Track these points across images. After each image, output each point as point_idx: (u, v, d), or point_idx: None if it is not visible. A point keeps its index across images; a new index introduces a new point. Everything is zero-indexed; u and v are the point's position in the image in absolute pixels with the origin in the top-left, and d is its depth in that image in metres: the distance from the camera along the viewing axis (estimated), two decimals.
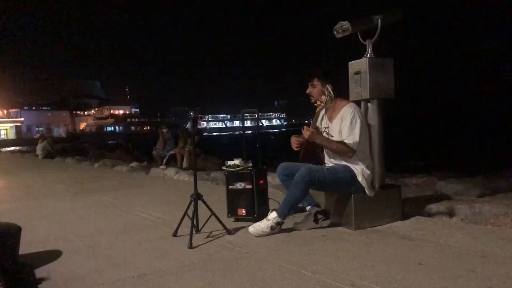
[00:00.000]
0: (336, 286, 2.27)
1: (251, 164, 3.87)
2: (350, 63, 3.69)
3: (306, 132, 3.33)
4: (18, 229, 2.92)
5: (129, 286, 2.42)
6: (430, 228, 3.39)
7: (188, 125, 12.45)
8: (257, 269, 2.60)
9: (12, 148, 33.79)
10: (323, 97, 3.34)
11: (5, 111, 75.09)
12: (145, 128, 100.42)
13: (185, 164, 10.27)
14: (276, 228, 3.34)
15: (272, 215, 3.35)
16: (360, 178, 3.41)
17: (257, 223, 3.38)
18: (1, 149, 29.97)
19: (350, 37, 3.64)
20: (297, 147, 3.51)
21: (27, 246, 3.13)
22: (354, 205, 3.41)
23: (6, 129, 73.25)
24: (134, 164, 11.13)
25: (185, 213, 3.39)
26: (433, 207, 4.00)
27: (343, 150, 3.38)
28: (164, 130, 11.56)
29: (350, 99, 3.65)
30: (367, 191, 3.44)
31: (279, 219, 3.34)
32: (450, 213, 3.82)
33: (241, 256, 2.88)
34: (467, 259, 2.64)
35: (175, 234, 3.43)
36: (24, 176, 10.04)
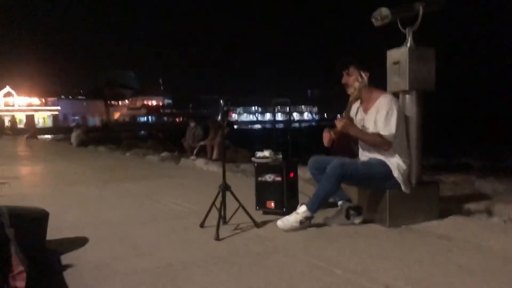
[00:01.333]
0: (368, 286, 2.15)
1: (281, 156, 3.76)
2: (388, 52, 3.52)
3: (339, 123, 3.19)
4: (46, 215, 2.92)
5: (154, 277, 2.37)
6: (469, 228, 3.20)
7: (219, 117, 12.43)
8: (285, 265, 2.49)
9: (49, 136, 34.80)
10: (356, 84, 3.19)
11: (43, 100, 77.48)
12: (177, 119, 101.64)
13: (215, 155, 10.26)
14: (306, 223, 3.23)
15: (302, 209, 3.23)
16: (396, 174, 3.24)
17: (286, 217, 3.27)
18: (38, 137, 30.96)
19: (389, 25, 3.46)
20: (328, 144, 3.36)
21: (55, 231, 3.13)
22: (389, 201, 3.25)
23: (44, 118, 75.64)
24: (164, 154, 11.22)
25: (213, 204, 3.32)
26: (472, 206, 3.80)
27: (378, 142, 3.22)
28: (192, 124, 11.59)
29: (387, 90, 3.47)
30: (403, 187, 3.27)
31: (309, 213, 3.22)
32: (490, 213, 3.62)
33: (269, 251, 2.78)
34: (511, 263, 2.46)
35: (202, 225, 3.36)
36: (58, 162, 10.28)
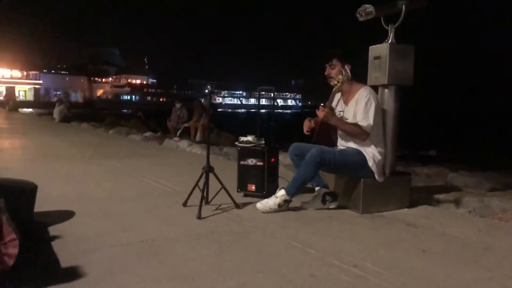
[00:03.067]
0: (338, 265, 2.32)
1: (264, 142, 3.90)
2: (370, 47, 3.67)
3: (321, 112, 3.33)
4: (34, 187, 3.02)
5: (138, 250, 2.50)
6: (436, 217, 3.41)
7: (203, 99, 12.49)
8: (263, 244, 2.66)
9: (30, 109, 34.22)
10: (340, 77, 3.34)
11: (25, 73, 75.89)
12: (161, 99, 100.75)
13: (198, 138, 10.36)
14: (284, 206, 3.40)
15: (281, 193, 3.40)
16: (370, 163, 3.42)
17: (265, 200, 3.44)
18: (19, 110, 30.46)
19: (373, 21, 3.60)
20: (307, 131, 3.53)
21: (42, 204, 3.23)
22: (363, 189, 3.44)
23: (25, 91, 74.23)
24: (148, 134, 11.27)
25: (196, 184, 3.45)
26: (442, 197, 4.01)
27: (356, 132, 3.39)
28: (178, 105, 11.64)
29: (368, 84, 3.63)
30: (376, 176, 3.46)
31: (287, 197, 3.39)
32: (458, 205, 3.84)
33: (248, 230, 2.94)
34: (470, 249, 2.67)
35: (185, 204, 3.51)
36: (40, 137, 10.24)
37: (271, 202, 3.39)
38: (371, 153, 3.44)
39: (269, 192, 3.70)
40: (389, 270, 2.27)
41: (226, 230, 2.93)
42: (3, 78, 71.94)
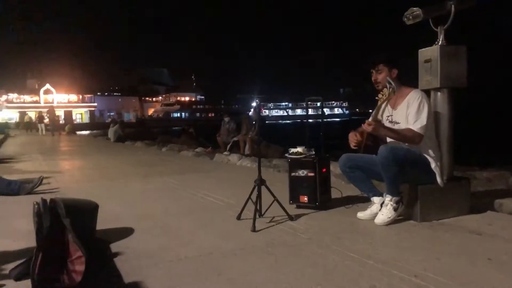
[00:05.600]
0: (399, 276, 2.26)
1: (314, 152, 3.88)
2: (420, 50, 3.58)
3: (368, 127, 3.22)
4: (96, 206, 3.16)
5: (196, 264, 2.55)
6: (500, 223, 3.24)
7: (251, 112, 12.60)
8: (319, 256, 2.64)
9: (86, 131, 35.87)
10: (385, 90, 3.25)
11: (80, 96, 79.97)
12: (209, 115, 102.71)
13: (247, 151, 10.46)
14: (399, 208, 3.29)
15: (387, 199, 3.30)
16: (433, 165, 3.32)
17: (379, 214, 3.33)
18: (77, 132, 32.02)
19: (420, 24, 3.52)
20: (355, 146, 3.39)
21: (102, 222, 3.37)
22: (421, 196, 3.33)
23: (81, 114, 78.13)
24: (199, 149, 11.51)
25: (249, 197, 3.48)
26: (505, 202, 3.81)
27: (409, 137, 3.28)
28: (226, 119, 11.83)
29: (419, 88, 3.54)
30: (438, 179, 3.34)
31: (397, 198, 3.30)
32: None
33: (304, 242, 2.93)
34: None
35: (238, 218, 3.54)
36: (97, 158, 10.70)
37: (385, 212, 3.29)
38: (431, 155, 3.34)
39: (322, 202, 3.67)
40: (453, 280, 2.19)
41: (281, 243, 2.93)
42: (61, 102, 76.08)
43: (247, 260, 2.60)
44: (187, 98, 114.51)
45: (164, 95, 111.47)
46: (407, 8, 3.47)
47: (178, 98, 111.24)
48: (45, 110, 30.23)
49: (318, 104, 4.87)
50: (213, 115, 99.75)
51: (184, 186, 5.49)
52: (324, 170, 3.89)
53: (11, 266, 2.47)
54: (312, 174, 3.81)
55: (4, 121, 45.47)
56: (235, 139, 11.18)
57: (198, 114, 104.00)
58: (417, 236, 3.01)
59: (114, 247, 2.95)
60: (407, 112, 3.32)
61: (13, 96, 75.49)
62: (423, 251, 2.67)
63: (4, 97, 74.25)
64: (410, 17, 3.46)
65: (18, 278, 2.34)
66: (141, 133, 26.07)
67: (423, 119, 3.25)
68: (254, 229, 3.20)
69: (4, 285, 2.27)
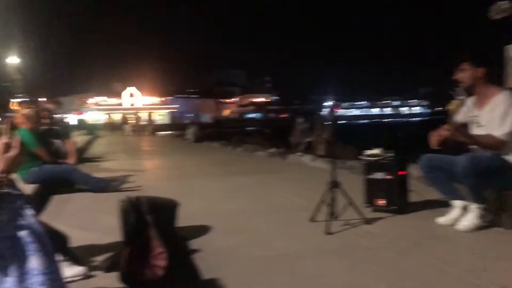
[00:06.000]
0: (481, 285, 2.13)
1: (392, 154, 3.76)
2: (506, 47, 3.34)
3: (445, 132, 3.07)
4: (177, 204, 3.31)
5: (271, 264, 2.59)
6: None
7: (325, 112, 12.49)
8: (397, 261, 2.56)
9: (167, 132, 37.54)
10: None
11: (162, 99, 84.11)
12: (283, 115, 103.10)
13: (321, 151, 10.35)
14: (484, 215, 3.14)
15: (473, 206, 3.15)
16: None
17: (463, 220, 3.19)
18: (158, 133, 33.63)
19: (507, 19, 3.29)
20: (436, 147, 3.23)
21: (182, 220, 3.51)
22: (509, 202, 3.10)
23: (162, 115, 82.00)
24: (272, 150, 11.58)
25: (323, 199, 3.46)
26: None
27: (490, 143, 3.06)
28: (299, 120, 11.80)
29: (507, 86, 3.30)
30: None
31: (481, 205, 3.13)
32: None
33: (381, 247, 2.86)
34: None
35: (312, 219, 3.53)
36: (176, 157, 11.18)
37: (470, 218, 3.14)
38: None
39: (400, 206, 3.54)
40: None
41: (357, 246, 2.88)
42: (144, 105, 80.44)
43: (322, 262, 2.59)
44: (261, 99, 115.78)
45: (239, 97, 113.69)
46: (488, 4, 3.26)
47: (253, 99, 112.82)
48: (131, 112, 32.12)
49: (396, 103, 4.71)
50: (287, 115, 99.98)
51: (258, 186, 5.57)
52: (402, 172, 3.76)
53: (100, 258, 2.67)
54: (390, 177, 3.70)
55: (92, 123, 48.86)
56: (308, 139, 11.12)
57: (271, 115, 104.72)
58: (503, 244, 2.81)
59: (193, 244, 3.08)
60: (491, 116, 3.10)
61: (100, 99, 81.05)
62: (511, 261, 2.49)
63: (92, 100, 79.94)
64: (497, 11, 3.24)
65: (107, 270, 2.52)
66: (217, 134, 26.79)
67: (507, 125, 3.00)
68: (328, 232, 3.17)
69: (95, 275, 2.46)
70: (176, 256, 2.70)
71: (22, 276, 1.48)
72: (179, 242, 3.10)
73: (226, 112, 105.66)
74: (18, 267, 1.49)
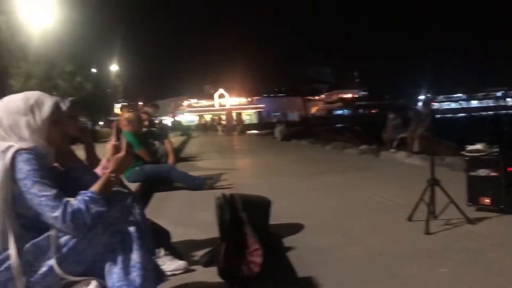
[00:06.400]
0: None
1: (497, 149, 3.49)
2: None
3: None
4: (269, 202, 3.37)
5: (367, 264, 2.54)
6: None
7: (420, 107, 11.90)
8: (504, 264, 2.39)
9: (255, 131, 38.26)
10: None
11: (249, 99, 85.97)
12: (372, 111, 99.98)
13: (416, 148, 9.89)
14: None
15: None
16: None
17: None
18: (247, 132, 34.40)
19: None
20: None
21: (274, 218, 3.56)
22: None
23: (250, 115, 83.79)
24: (363, 147, 11.29)
25: (421, 198, 3.31)
26: None
27: None
28: (391, 116, 11.38)
29: None
30: None
31: None
32: None
33: (485, 248, 2.67)
34: None
35: (410, 219, 3.39)
36: (266, 156, 11.33)
37: None
38: None
39: (508, 206, 3.27)
40: None
41: (460, 247, 2.72)
42: (233, 105, 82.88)
43: (421, 264, 2.48)
44: (349, 95, 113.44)
45: (326, 94, 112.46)
46: None
47: (340, 96, 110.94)
48: (223, 113, 33.23)
49: (500, 93, 4.35)
50: (377, 111, 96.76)
51: (350, 184, 5.47)
52: (509, 169, 3.47)
53: (198, 253, 2.80)
54: (495, 174, 3.44)
55: (186, 124, 51.26)
56: (402, 135, 10.68)
57: (361, 111, 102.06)
58: None
59: (287, 241, 3.11)
60: None
61: (192, 101, 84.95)
62: None
63: (186, 102, 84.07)
64: None
65: (206, 265, 2.64)
66: (304, 132, 26.74)
67: None
68: (427, 232, 3.02)
69: (195, 269, 2.58)
70: (271, 253, 2.75)
71: (128, 268, 1.61)
72: (273, 239, 3.15)
73: (313, 110, 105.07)
74: (124, 260, 1.62)
